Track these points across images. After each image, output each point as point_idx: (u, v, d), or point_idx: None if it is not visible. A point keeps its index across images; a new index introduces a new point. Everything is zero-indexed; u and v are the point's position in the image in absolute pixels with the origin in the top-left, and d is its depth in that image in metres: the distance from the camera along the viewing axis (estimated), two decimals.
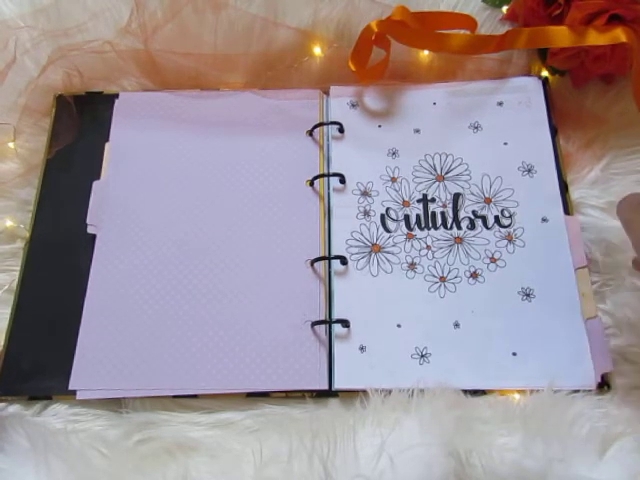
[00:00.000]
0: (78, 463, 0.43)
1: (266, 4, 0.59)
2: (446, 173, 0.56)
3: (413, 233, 0.53)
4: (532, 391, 0.46)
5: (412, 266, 0.52)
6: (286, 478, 0.40)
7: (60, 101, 0.60)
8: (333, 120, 0.57)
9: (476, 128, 0.57)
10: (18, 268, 0.53)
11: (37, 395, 0.49)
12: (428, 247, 0.53)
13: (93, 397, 0.48)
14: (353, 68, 0.57)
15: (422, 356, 0.49)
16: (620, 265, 0.51)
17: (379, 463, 0.39)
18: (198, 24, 0.59)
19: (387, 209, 0.54)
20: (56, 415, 0.49)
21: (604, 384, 0.47)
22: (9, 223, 0.56)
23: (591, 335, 0.48)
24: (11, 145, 0.58)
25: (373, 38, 0.55)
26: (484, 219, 0.53)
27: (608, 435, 0.42)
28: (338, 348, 0.49)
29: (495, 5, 0.61)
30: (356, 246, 0.53)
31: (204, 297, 0.51)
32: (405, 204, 0.55)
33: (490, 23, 0.60)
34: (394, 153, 0.57)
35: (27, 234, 0.54)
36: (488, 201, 0.54)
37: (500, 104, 0.58)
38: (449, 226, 0.53)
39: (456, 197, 0.55)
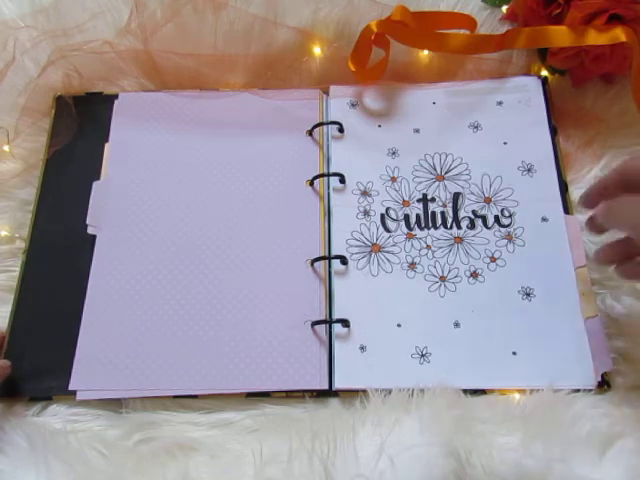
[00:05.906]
0: (78, 463, 0.43)
1: (266, 4, 0.59)
2: (446, 173, 0.56)
3: (413, 233, 0.53)
4: (532, 391, 0.46)
5: (412, 266, 0.52)
6: (286, 478, 0.40)
7: (60, 101, 0.60)
8: (333, 120, 0.57)
9: (476, 128, 0.57)
10: (18, 268, 0.53)
11: (37, 395, 0.49)
12: (428, 247, 0.53)
13: (93, 397, 0.48)
14: (353, 68, 0.57)
15: (422, 356, 0.49)
16: None
17: (379, 463, 0.39)
18: (198, 24, 0.59)
19: (387, 209, 0.54)
20: (56, 415, 0.49)
21: (604, 384, 0.47)
22: (4, 233, 0.56)
23: (591, 335, 0.48)
24: (6, 148, 0.57)
25: (373, 38, 0.55)
26: (484, 219, 0.53)
27: (608, 435, 0.42)
28: (338, 348, 0.49)
29: (495, 5, 0.60)
30: (356, 246, 0.53)
31: (204, 297, 0.51)
32: (405, 204, 0.54)
33: (490, 23, 0.60)
34: (394, 153, 0.57)
35: (24, 245, 0.54)
36: (488, 201, 0.54)
37: (500, 104, 0.58)
38: (449, 226, 0.53)
39: (456, 197, 0.55)
